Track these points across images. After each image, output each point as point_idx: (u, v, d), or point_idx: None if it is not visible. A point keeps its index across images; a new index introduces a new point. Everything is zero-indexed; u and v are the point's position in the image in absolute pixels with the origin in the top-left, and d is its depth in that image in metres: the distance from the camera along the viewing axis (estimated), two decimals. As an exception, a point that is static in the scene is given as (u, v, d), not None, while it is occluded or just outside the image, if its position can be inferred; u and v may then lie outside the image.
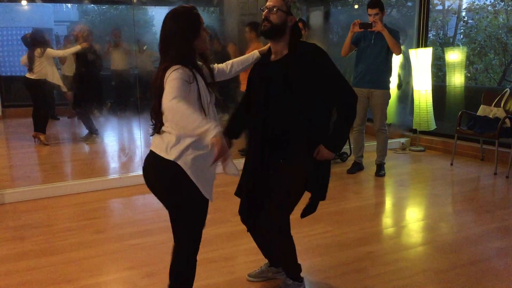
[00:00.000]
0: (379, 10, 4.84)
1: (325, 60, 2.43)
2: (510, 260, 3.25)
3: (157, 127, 2.18)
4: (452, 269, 3.10)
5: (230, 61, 2.54)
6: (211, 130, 1.82)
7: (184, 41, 2.10)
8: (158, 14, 10.52)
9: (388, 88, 5.12)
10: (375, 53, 4.93)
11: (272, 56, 2.49)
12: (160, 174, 2.20)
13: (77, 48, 6.82)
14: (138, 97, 5.86)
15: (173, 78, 2.00)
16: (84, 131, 7.42)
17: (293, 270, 2.70)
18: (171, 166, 2.13)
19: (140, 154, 5.99)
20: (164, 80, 2.04)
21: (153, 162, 2.22)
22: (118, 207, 4.56)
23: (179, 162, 2.12)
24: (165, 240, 3.62)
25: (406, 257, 3.33)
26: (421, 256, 3.34)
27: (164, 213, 3.88)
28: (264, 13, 2.39)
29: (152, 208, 4.45)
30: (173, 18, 2.12)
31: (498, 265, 3.17)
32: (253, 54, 2.57)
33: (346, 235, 3.69)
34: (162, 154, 2.16)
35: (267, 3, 2.39)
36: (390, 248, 3.47)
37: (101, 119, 8.99)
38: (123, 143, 7.60)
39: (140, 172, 5.17)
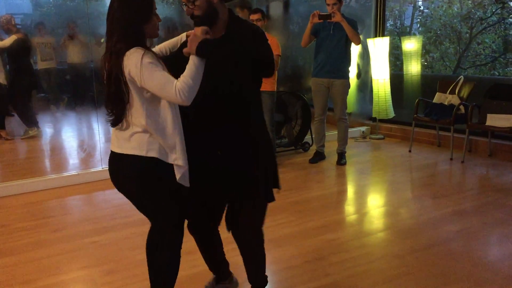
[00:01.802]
0: (337, 1, 4.87)
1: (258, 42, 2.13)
2: (466, 242, 3.36)
3: (120, 116, 2.05)
4: (411, 253, 3.18)
5: (157, 46, 2.32)
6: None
7: (134, 22, 2.00)
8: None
9: (348, 78, 5.18)
10: (334, 43, 4.96)
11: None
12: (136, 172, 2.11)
13: (12, 39, 6.58)
14: (95, 91, 5.71)
15: (148, 62, 1.92)
16: (41, 127, 7.18)
17: (263, 282, 2.54)
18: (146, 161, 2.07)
19: (99, 150, 5.85)
20: (123, 64, 1.94)
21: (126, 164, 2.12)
22: (76, 204, 4.45)
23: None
24: (125, 236, 3.56)
25: (366, 243, 3.39)
26: (381, 241, 3.41)
27: (124, 208, 3.82)
28: (186, 10, 2.10)
29: (111, 204, 4.36)
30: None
31: (455, 247, 3.27)
32: (181, 37, 2.35)
33: (308, 224, 3.72)
34: (136, 152, 2.07)
35: None
36: (351, 235, 3.52)
37: (58, 114, 8.74)
38: (81, 139, 7.41)
39: (99, 168, 5.08)
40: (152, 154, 2.06)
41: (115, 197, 4.55)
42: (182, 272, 2.96)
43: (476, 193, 4.39)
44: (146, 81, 1.93)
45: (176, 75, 1.97)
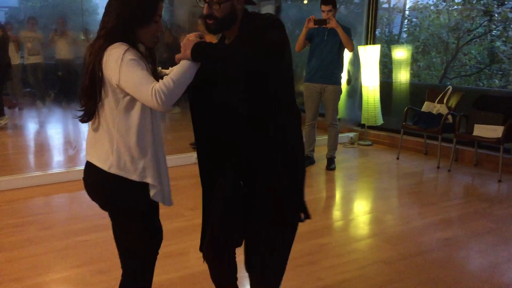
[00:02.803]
0: (332, 7, 4.92)
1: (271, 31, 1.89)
2: (454, 250, 3.42)
3: (89, 113, 1.90)
4: (401, 260, 3.23)
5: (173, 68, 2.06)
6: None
7: (129, 21, 1.84)
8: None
9: (340, 84, 5.23)
10: (328, 49, 5.01)
11: (226, 40, 2.05)
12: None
13: None
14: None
15: (130, 59, 1.75)
16: (26, 122, 7.10)
17: None
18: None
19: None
20: (104, 59, 1.79)
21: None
22: (65, 202, 4.40)
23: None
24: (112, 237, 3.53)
25: (357, 248, 3.43)
26: (371, 247, 3.45)
27: None
28: (204, 9, 1.93)
29: (101, 203, 4.32)
30: None
31: (443, 255, 3.32)
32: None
33: (299, 228, 3.72)
34: (100, 164, 1.90)
35: None
36: (342, 241, 3.56)
37: (44, 110, 8.64)
38: (67, 135, 7.33)
39: (83, 166, 5.03)
40: (113, 170, 1.87)
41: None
42: (175, 274, 2.98)
43: (463, 202, 4.47)
44: (123, 79, 1.75)
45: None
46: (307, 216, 2.12)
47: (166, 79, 1.74)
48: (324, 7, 4.94)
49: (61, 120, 8.31)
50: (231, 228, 2.10)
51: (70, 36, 8.25)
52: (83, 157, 5.63)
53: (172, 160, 5.43)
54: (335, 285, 2.87)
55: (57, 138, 7.18)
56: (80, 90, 1.89)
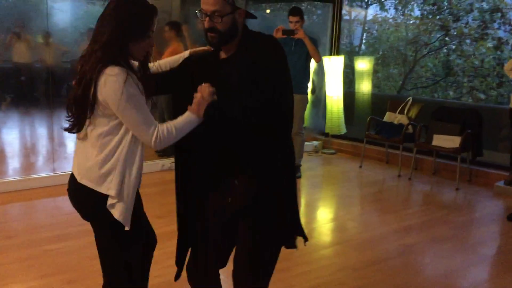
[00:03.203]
0: (300, 18, 5.03)
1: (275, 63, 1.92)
2: (416, 256, 3.56)
3: (79, 125, 1.88)
4: (368, 266, 3.33)
5: (157, 62, 2.11)
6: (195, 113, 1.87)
7: (122, 34, 1.83)
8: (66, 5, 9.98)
9: (307, 93, 5.34)
10: (295, 59, 5.10)
11: (222, 53, 1.99)
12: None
13: None
14: (51, 93, 5.53)
15: (131, 94, 1.78)
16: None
17: None
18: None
19: (50, 154, 5.65)
20: (100, 80, 1.78)
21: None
22: (24, 211, 4.28)
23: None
24: (83, 245, 3.47)
25: (325, 255, 3.51)
26: (338, 254, 3.54)
27: (78, 216, 3.73)
28: (206, 22, 1.87)
29: (65, 211, 4.23)
30: (124, 4, 1.86)
31: (406, 261, 3.45)
32: (183, 54, 2.15)
33: (268, 235, 3.79)
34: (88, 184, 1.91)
35: (204, 6, 1.87)
36: (311, 248, 3.62)
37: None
38: (25, 142, 7.11)
39: (49, 174, 4.91)
40: (84, 181, 1.91)
41: (67, 205, 4.42)
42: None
43: (422, 210, 4.65)
44: (122, 113, 1.80)
45: (173, 93, 1.91)
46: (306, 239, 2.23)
47: (170, 126, 1.84)
48: (292, 18, 5.04)
49: (17, 126, 8.04)
50: (226, 252, 2.14)
51: (30, 39, 8.02)
52: (40, 165, 5.48)
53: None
54: (306, 291, 2.93)
55: (14, 144, 6.95)
56: (71, 99, 1.87)
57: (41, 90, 6.20)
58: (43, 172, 5.00)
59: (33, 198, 4.50)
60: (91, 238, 3.62)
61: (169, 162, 5.57)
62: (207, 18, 1.86)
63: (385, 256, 3.51)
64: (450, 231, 4.04)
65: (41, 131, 7.09)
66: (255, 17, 2.02)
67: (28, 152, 6.37)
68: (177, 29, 5.77)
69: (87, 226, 3.81)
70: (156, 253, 3.38)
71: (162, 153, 5.75)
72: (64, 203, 4.42)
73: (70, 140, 6.56)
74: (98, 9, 9.23)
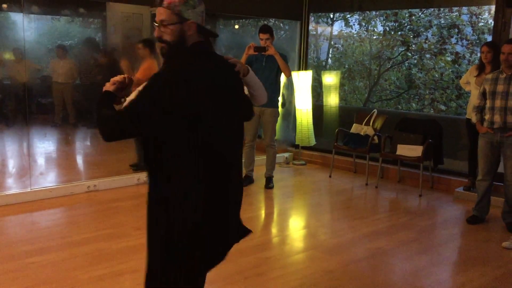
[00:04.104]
0: (270, 35, 5.27)
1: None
2: (383, 258, 3.80)
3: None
4: (338, 268, 3.54)
5: None
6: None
7: None
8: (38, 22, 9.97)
9: (278, 107, 5.57)
10: (266, 75, 5.32)
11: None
12: None
13: None
14: (27, 110, 5.58)
15: None
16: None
17: None
18: None
19: (24, 170, 5.67)
20: None
21: None
22: (5, 226, 4.32)
23: None
24: (65, 257, 3.56)
25: (299, 260, 3.70)
26: (311, 258, 3.74)
27: (57, 230, 3.87)
28: (155, 31, 1.91)
29: (43, 226, 4.31)
30: None
31: (375, 263, 3.68)
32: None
33: (244, 243, 3.95)
34: None
35: (156, 17, 1.90)
36: (285, 253, 3.82)
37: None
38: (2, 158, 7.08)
39: (26, 189, 4.93)
40: None
41: (44, 219, 4.50)
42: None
43: (389, 215, 4.91)
44: None
45: None
46: None
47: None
48: (262, 35, 5.28)
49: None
50: None
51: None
52: (10, 183, 5.46)
53: (113, 182, 5.48)
54: (282, 293, 3.11)
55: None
56: None
57: (16, 106, 6.21)
58: (18, 188, 5.04)
59: (4, 214, 4.53)
60: (72, 251, 3.74)
61: (144, 176, 5.68)
62: (157, 28, 1.91)
63: (355, 258, 3.73)
64: (414, 234, 4.30)
65: (6, 147, 7.07)
66: (214, 35, 2.04)
67: (3, 168, 6.36)
68: (151, 46, 5.93)
69: (67, 239, 3.94)
70: (138, 262, 3.52)
71: (136, 168, 5.86)
72: (41, 217, 4.51)
73: (46, 156, 6.59)
74: (63, 25, 9.27)
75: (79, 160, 7.15)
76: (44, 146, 7.28)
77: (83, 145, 8.12)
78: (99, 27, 10.29)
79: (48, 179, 5.48)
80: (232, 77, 2.03)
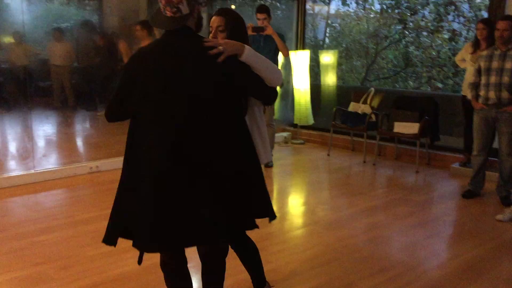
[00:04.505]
0: (267, 15, 5.30)
1: None
2: (380, 232, 3.91)
3: None
4: (337, 242, 3.65)
5: None
6: None
7: None
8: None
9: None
10: (264, 55, 5.30)
11: None
12: None
13: None
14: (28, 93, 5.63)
15: None
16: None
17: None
18: None
19: (31, 151, 5.75)
20: None
21: None
22: (11, 207, 4.42)
23: None
24: (71, 235, 3.66)
25: (299, 235, 3.82)
26: (311, 233, 3.85)
27: (61, 210, 3.97)
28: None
29: (48, 206, 4.41)
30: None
31: (372, 236, 3.79)
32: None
33: (245, 219, 4.07)
34: None
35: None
36: (285, 229, 3.93)
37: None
38: (4, 141, 7.14)
39: (30, 171, 5.02)
40: None
41: (48, 200, 4.60)
42: (135, 266, 3.18)
43: (386, 191, 5.02)
44: None
45: None
46: None
47: None
48: (259, 15, 5.31)
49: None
50: None
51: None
52: (13, 165, 5.52)
53: (115, 163, 5.55)
54: (283, 266, 3.22)
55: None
56: None
57: (17, 89, 6.25)
58: (22, 170, 5.12)
59: (14, 195, 4.63)
60: (77, 229, 3.85)
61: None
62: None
63: (353, 233, 3.84)
64: (411, 209, 4.41)
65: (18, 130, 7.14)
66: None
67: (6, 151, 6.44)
68: (149, 28, 5.95)
69: (72, 218, 4.04)
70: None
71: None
72: (45, 198, 4.60)
73: (47, 139, 6.66)
74: (57, 7, 9.23)
75: (80, 142, 7.23)
76: (45, 129, 7.35)
77: (83, 127, 8.20)
78: (95, 9, 10.26)
79: (50, 161, 5.56)
80: (190, 59, 2.03)
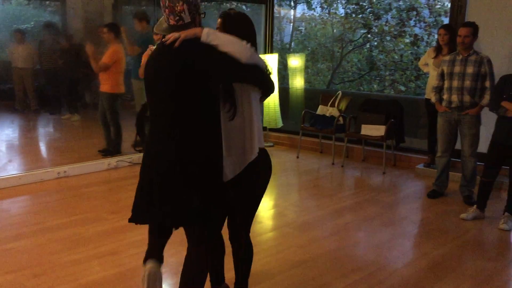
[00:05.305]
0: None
1: None
2: (352, 232, 4.01)
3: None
4: (310, 243, 3.72)
5: None
6: None
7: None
8: None
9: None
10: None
11: None
12: None
13: None
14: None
15: None
16: None
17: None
18: None
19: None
20: None
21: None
22: (-24, 214, 4.28)
23: None
24: (41, 243, 3.59)
25: (273, 237, 3.87)
26: (284, 235, 3.91)
27: (29, 217, 3.91)
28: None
29: (15, 213, 4.31)
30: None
31: (343, 237, 3.89)
32: None
33: (218, 223, 4.09)
34: None
35: None
36: (260, 231, 3.97)
37: None
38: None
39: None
40: None
41: (15, 206, 4.49)
42: (110, 271, 3.16)
43: (355, 192, 5.14)
44: None
45: None
46: None
47: None
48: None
49: None
50: None
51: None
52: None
53: (83, 167, 5.47)
54: (259, 268, 3.26)
55: None
56: None
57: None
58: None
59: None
60: (48, 236, 3.78)
61: (115, 160, 5.70)
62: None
63: (325, 234, 3.92)
64: (379, 210, 4.54)
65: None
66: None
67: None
68: (116, 30, 5.89)
69: (41, 225, 3.97)
70: (116, 244, 3.60)
71: (105, 153, 5.86)
72: (12, 205, 4.49)
73: (11, 144, 6.48)
74: (14, 8, 8.99)
75: (47, 146, 7.07)
76: (9, 133, 7.15)
77: (47, 131, 8.02)
78: (57, 10, 10.03)
79: (15, 167, 5.42)
80: (164, 56, 2.20)
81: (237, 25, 2.36)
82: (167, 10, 2.19)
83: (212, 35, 2.15)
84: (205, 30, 2.15)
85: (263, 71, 2.35)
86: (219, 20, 2.40)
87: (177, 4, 2.16)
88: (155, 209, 2.23)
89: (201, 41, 2.13)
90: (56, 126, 8.21)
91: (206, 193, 2.23)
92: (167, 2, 2.17)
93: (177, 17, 2.18)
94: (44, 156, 6.48)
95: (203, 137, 2.22)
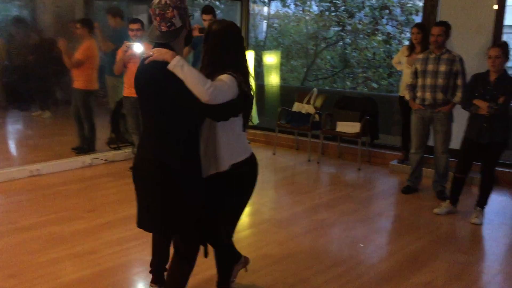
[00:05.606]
0: (212, 16, 5.32)
1: None
2: (329, 228, 4.07)
3: None
4: (289, 240, 3.76)
5: None
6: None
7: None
8: None
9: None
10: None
11: None
12: None
13: None
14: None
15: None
16: None
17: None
18: None
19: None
20: None
21: None
22: None
23: None
24: (17, 242, 3.52)
25: (253, 233, 3.90)
26: (264, 232, 3.94)
27: (4, 216, 3.83)
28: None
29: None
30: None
31: (321, 233, 3.94)
32: None
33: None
34: None
35: None
36: (240, 228, 3.94)
37: None
38: None
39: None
40: None
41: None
42: (88, 270, 3.13)
43: (331, 189, 5.21)
44: None
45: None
46: None
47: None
48: (205, 17, 5.33)
49: None
50: None
51: None
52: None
53: (57, 165, 5.36)
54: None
55: None
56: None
57: None
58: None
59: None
60: (23, 235, 3.71)
61: (89, 158, 5.61)
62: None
63: (303, 230, 3.97)
64: (354, 206, 4.61)
65: None
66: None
67: None
68: (90, 26, 5.78)
69: (16, 225, 3.89)
70: (94, 243, 3.55)
71: (79, 151, 5.77)
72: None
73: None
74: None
75: (18, 144, 6.90)
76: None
77: (17, 129, 7.83)
78: (26, 5, 9.78)
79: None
80: (150, 72, 2.28)
81: (220, 41, 2.38)
82: (158, 18, 2.25)
83: (178, 67, 2.15)
84: (174, 60, 2.15)
85: (233, 105, 2.33)
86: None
87: (167, 11, 2.23)
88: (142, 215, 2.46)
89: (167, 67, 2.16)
90: (27, 123, 8.02)
91: (175, 204, 2.34)
92: (157, 10, 2.23)
93: (169, 23, 2.24)
94: (15, 154, 6.32)
95: (181, 141, 2.32)
